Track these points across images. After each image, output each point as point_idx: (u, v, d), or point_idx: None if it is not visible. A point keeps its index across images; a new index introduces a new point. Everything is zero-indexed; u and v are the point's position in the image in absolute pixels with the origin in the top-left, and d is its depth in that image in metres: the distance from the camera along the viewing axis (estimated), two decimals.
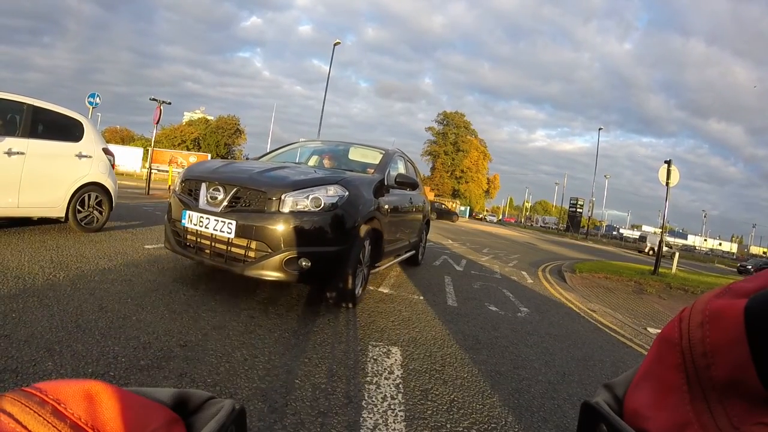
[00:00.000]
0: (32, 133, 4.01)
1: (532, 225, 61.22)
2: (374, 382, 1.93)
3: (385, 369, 2.09)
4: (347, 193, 2.83)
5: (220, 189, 2.76)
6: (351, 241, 2.84)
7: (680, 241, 61.52)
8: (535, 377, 2.35)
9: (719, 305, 0.24)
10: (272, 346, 2.15)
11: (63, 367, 1.62)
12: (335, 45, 26.33)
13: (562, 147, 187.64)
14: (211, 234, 2.70)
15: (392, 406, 1.73)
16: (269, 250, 2.58)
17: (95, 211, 4.58)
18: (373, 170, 3.71)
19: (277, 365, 1.94)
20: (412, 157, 5.29)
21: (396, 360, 2.23)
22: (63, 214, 4.27)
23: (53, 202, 4.18)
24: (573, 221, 47.74)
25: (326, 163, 4.26)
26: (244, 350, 2.04)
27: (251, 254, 2.62)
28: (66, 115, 4.38)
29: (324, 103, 25.03)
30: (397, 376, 2.04)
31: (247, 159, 5.24)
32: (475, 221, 41.44)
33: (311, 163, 4.46)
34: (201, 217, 2.74)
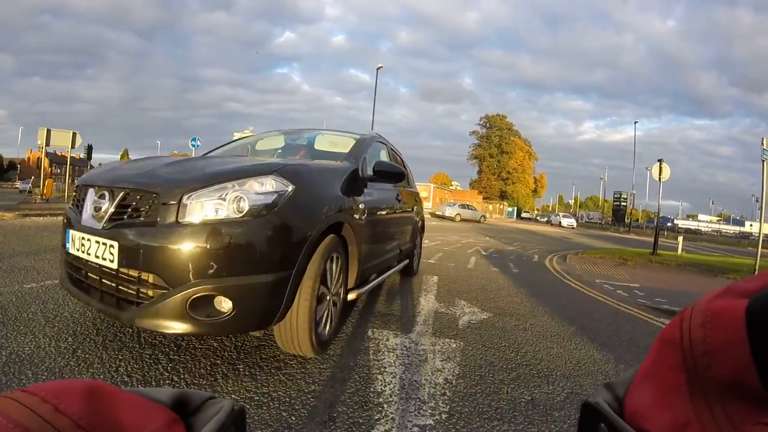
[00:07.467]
0: None
1: (577, 221, 60.49)
2: (424, 287, 4.68)
3: (429, 281, 4.83)
4: (291, 187, 1.95)
5: (106, 195, 1.89)
6: (301, 260, 1.93)
7: (736, 228, 58.90)
8: (507, 288, 4.96)
9: (720, 305, 0.25)
10: None
11: None
12: (378, 69, 28.56)
13: (612, 138, 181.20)
14: (96, 264, 1.82)
15: (430, 294, 4.43)
16: (167, 287, 1.69)
17: None
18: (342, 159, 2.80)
19: None
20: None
21: (435, 280, 4.96)
22: None
23: None
24: (617, 215, 47.50)
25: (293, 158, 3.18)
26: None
27: (149, 292, 1.73)
28: None
29: (373, 116, 27.47)
30: (435, 283, 4.76)
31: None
32: (523, 222, 41.69)
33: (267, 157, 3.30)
34: (83, 238, 1.88)
